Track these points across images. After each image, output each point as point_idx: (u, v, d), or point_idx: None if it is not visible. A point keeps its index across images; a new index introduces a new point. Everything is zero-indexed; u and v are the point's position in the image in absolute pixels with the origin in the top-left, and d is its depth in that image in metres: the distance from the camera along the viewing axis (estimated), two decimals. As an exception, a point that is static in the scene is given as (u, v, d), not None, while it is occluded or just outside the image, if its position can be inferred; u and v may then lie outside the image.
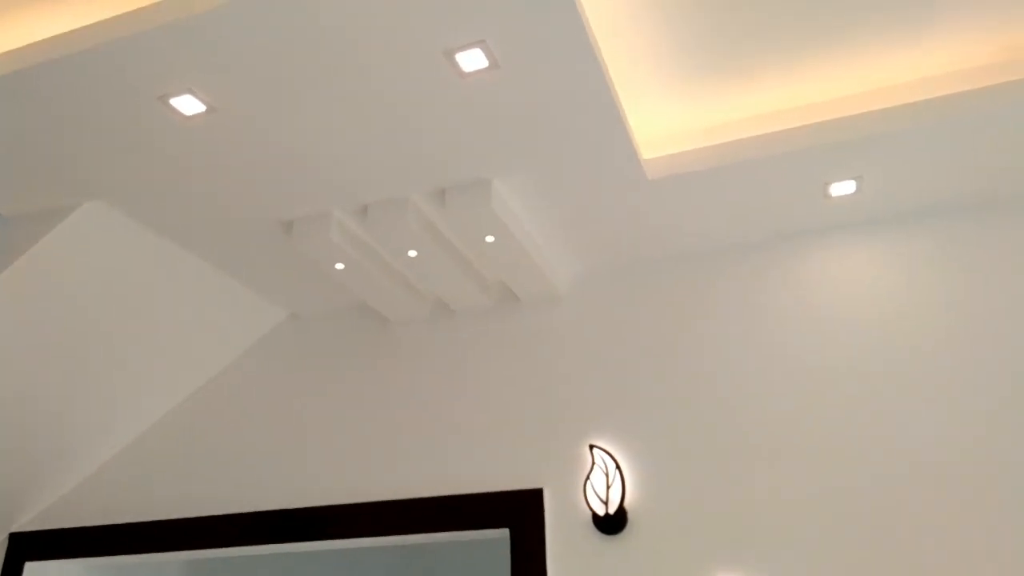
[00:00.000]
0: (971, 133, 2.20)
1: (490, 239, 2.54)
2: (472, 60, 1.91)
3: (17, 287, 2.47)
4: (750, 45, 2.13)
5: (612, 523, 2.55)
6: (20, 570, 3.18)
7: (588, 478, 2.63)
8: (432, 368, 3.01)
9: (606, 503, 2.58)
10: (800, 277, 2.64)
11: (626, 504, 2.56)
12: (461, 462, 2.81)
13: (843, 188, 2.47)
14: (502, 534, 2.71)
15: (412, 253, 2.64)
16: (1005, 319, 2.34)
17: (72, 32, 1.92)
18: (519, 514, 2.67)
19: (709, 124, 2.40)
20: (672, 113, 2.36)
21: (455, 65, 1.92)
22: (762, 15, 2.04)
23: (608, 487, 2.60)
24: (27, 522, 3.25)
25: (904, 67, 2.22)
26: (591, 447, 2.67)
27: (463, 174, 2.38)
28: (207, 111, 2.05)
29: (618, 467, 2.61)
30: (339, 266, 2.71)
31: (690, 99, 2.31)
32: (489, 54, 1.88)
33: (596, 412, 2.70)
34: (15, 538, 3.23)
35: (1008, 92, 2.11)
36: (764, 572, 2.33)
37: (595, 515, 2.58)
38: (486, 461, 2.78)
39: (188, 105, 2.03)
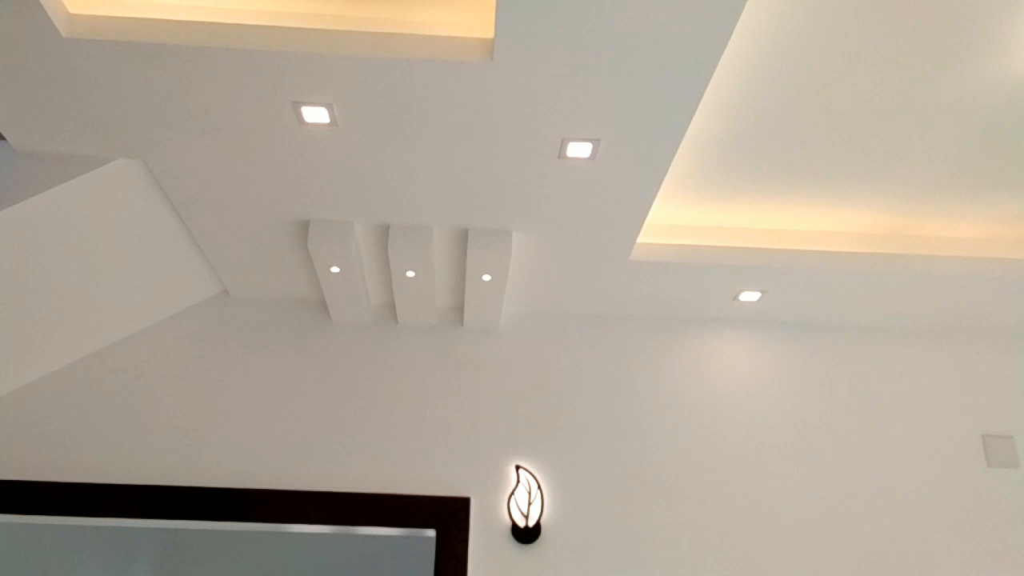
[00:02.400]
0: (851, 281, 3.05)
1: (487, 278, 2.90)
2: (580, 151, 2.31)
3: (18, 225, 2.32)
4: (724, 181, 2.76)
5: (528, 534, 3.02)
6: None
7: (513, 493, 3.08)
8: (369, 371, 3.24)
9: (526, 516, 3.05)
10: (703, 354, 3.35)
11: (542, 519, 3.05)
12: (393, 464, 3.09)
13: (750, 296, 3.22)
14: (428, 534, 3.04)
15: (410, 274, 2.90)
16: (853, 415, 3.24)
17: (237, 26, 1.98)
18: (447, 518, 3.03)
19: (674, 225, 3.00)
20: (656, 210, 2.92)
21: (564, 153, 2.31)
22: (737, 167, 2.69)
23: (530, 503, 3.07)
24: None
25: (821, 220, 3.01)
26: (517, 467, 3.12)
27: (490, 221, 2.73)
28: (329, 124, 2.20)
29: (539, 487, 3.09)
30: (335, 269, 2.88)
31: (669, 204, 2.88)
32: (597, 150, 2.30)
33: (521, 436, 3.15)
34: None
35: (882, 261, 2.99)
36: (650, 586, 2.95)
37: (515, 526, 3.03)
38: (418, 466, 3.09)
39: (316, 115, 2.17)
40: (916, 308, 3.26)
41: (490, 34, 2.03)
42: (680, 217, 3.02)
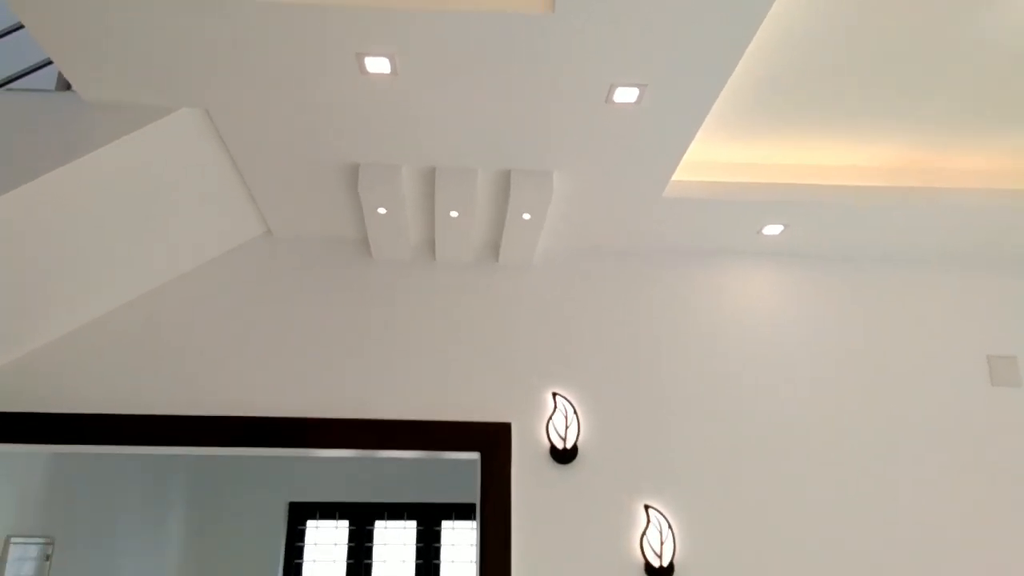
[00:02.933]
0: (866, 214, 3.22)
1: (527, 217, 3.05)
2: (627, 96, 2.43)
3: (90, 173, 2.43)
4: (751, 119, 2.88)
5: (566, 455, 3.25)
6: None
7: (551, 418, 3.29)
8: (410, 306, 3.41)
9: (564, 439, 3.27)
10: (728, 284, 3.54)
11: (578, 442, 3.27)
12: (438, 393, 3.29)
13: (773, 230, 3.38)
14: (472, 457, 3.27)
15: (454, 214, 3.04)
16: (867, 339, 3.45)
17: None
18: (490, 442, 3.25)
19: (701, 161, 3.13)
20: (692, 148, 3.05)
21: (611, 98, 2.43)
22: (768, 105, 2.81)
23: (567, 427, 3.29)
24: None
25: (842, 155, 3.15)
26: (554, 394, 3.33)
27: (531, 163, 2.85)
28: (390, 74, 2.30)
29: (575, 411, 3.31)
30: (381, 210, 3.01)
31: (698, 141, 3.01)
32: (643, 95, 2.42)
33: (558, 365, 3.35)
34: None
35: (896, 194, 3.15)
36: (678, 500, 3.20)
37: (553, 448, 3.26)
38: (461, 395, 3.30)
39: (378, 66, 2.27)
40: (927, 238, 3.44)
41: (550, -14, 2.12)
42: (707, 153, 3.15)
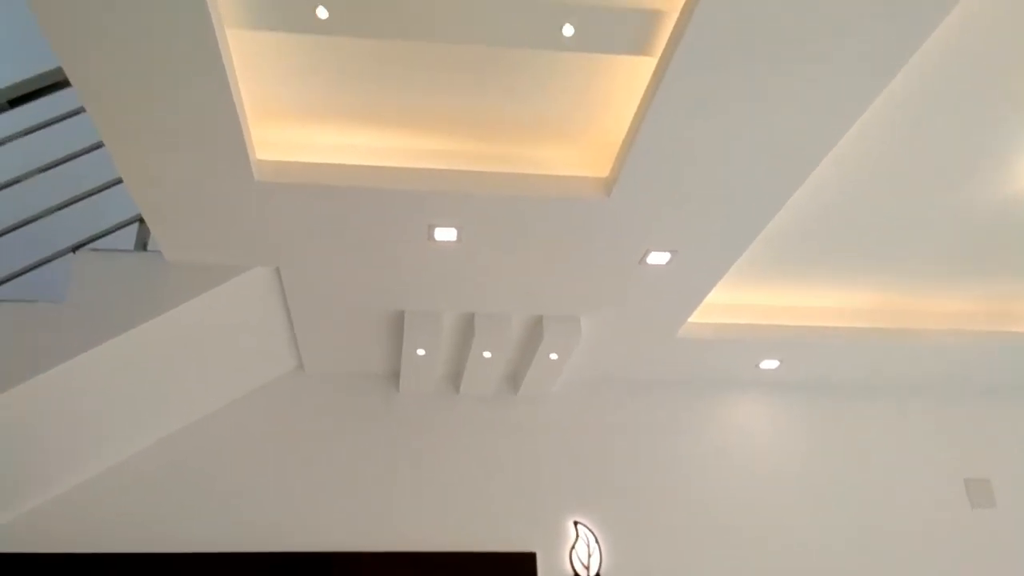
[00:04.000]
0: (852, 350, 3.59)
1: (554, 356, 3.33)
2: (659, 259, 2.78)
3: (171, 327, 2.64)
4: (752, 268, 3.26)
5: (589, 584, 3.43)
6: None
7: (573, 548, 3.49)
8: (434, 438, 3.61)
9: (587, 568, 3.46)
10: (731, 413, 3.85)
11: (601, 570, 3.46)
12: (464, 523, 3.46)
13: (769, 364, 3.73)
14: (499, 586, 3.42)
15: (487, 354, 3.30)
16: (855, 463, 3.77)
17: (389, 169, 2.38)
18: (516, 572, 3.41)
19: (710, 302, 3.48)
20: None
21: (644, 260, 2.77)
22: (778, 261, 3.19)
23: (589, 556, 3.48)
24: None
25: (830, 298, 3.54)
26: (575, 523, 3.53)
27: (562, 310, 3.16)
28: (456, 240, 2.61)
29: (597, 540, 3.51)
30: (420, 352, 3.26)
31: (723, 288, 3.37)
32: (674, 258, 2.77)
33: (577, 493, 3.57)
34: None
35: (878, 334, 3.54)
36: (701, 625, 3.40)
37: (576, 576, 3.44)
38: (487, 525, 3.47)
39: (446, 235, 2.57)
40: (905, 371, 3.83)
41: (604, 173, 2.48)
42: (713, 296, 3.50)
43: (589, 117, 2.37)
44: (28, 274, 2.73)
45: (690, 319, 3.45)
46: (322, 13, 1.87)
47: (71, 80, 1.92)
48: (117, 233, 2.85)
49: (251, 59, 2.09)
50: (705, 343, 3.50)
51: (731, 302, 3.56)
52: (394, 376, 3.69)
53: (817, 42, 1.90)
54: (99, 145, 2.80)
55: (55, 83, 2.76)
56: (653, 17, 1.95)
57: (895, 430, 3.94)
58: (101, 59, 1.87)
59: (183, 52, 1.85)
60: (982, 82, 2.32)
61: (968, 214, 2.98)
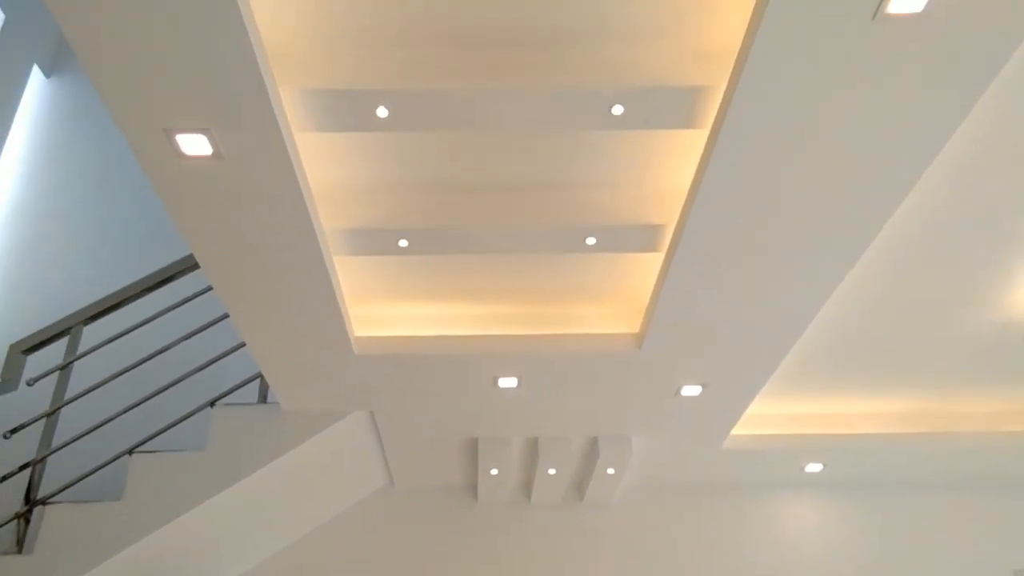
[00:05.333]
0: (891, 453, 3.95)
1: (611, 471, 3.83)
2: (692, 391, 3.27)
3: (289, 464, 3.28)
4: (793, 381, 3.69)
5: (654, 677, 3.82)
6: None
7: (639, 643, 3.90)
8: (509, 542, 4.11)
9: (652, 662, 3.86)
10: (777, 514, 4.23)
11: (664, 663, 3.85)
12: (539, 622, 3.92)
13: (813, 468, 4.12)
14: None
15: (551, 471, 3.83)
16: (904, 559, 4.09)
17: (448, 337, 2.99)
18: (588, 666, 3.84)
19: (751, 413, 3.91)
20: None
21: (679, 393, 3.28)
22: (812, 375, 3.63)
23: (653, 651, 3.88)
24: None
25: (868, 406, 3.93)
26: (640, 620, 3.95)
27: (614, 430, 3.67)
28: (517, 387, 3.18)
29: (659, 637, 3.91)
30: (494, 471, 3.81)
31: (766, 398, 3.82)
32: (705, 390, 3.26)
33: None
34: None
35: (915, 437, 3.89)
36: None
37: (642, 670, 3.84)
38: (560, 624, 3.92)
39: (507, 383, 3.15)
40: (943, 469, 4.16)
41: (635, 328, 3.03)
42: (756, 407, 3.94)
43: (619, 282, 2.94)
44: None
45: (734, 431, 3.91)
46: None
47: (222, 300, 2.61)
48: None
49: (348, 262, 2.76)
50: (749, 453, 3.94)
51: (773, 412, 3.99)
52: (472, 488, 4.24)
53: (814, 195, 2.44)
54: (223, 317, 3.50)
55: (189, 268, 3.53)
56: (657, 230, 2.52)
57: (940, 525, 4.24)
58: (230, 268, 2.55)
59: (299, 275, 2.52)
60: (985, 222, 2.76)
61: (979, 331, 3.39)
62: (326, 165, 2.38)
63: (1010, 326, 3.33)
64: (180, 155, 2.02)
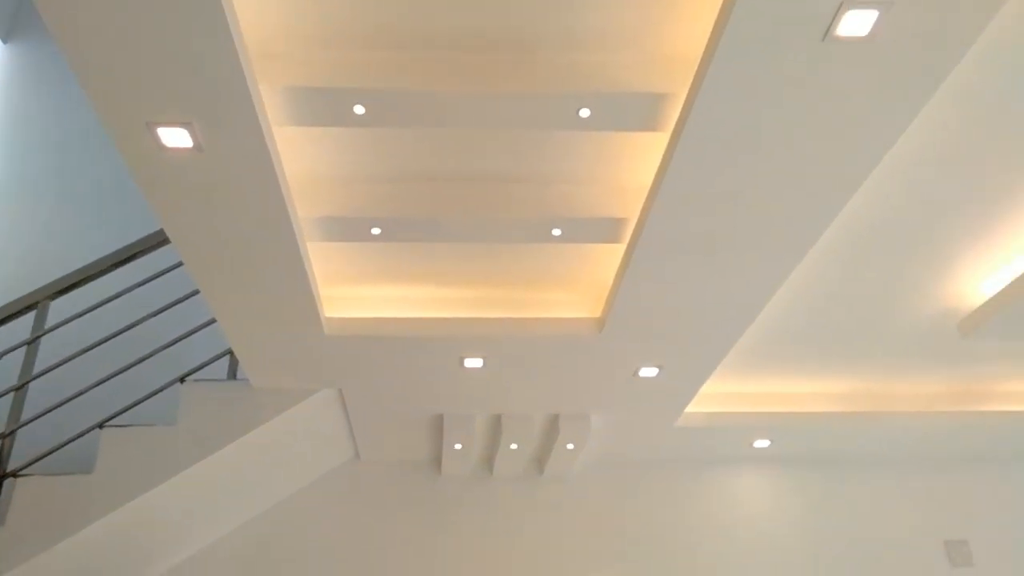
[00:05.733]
0: (834, 431, 4.19)
1: (570, 446, 4.00)
2: (648, 373, 3.45)
3: (259, 439, 3.39)
4: (742, 361, 3.88)
5: (607, 640, 4.05)
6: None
7: (593, 609, 4.11)
8: (472, 514, 4.28)
9: (605, 627, 4.08)
10: (726, 488, 4.46)
11: (617, 628, 4.08)
12: (499, 591, 4.11)
13: (761, 444, 4.35)
14: (530, 644, 4.06)
15: (513, 446, 3.99)
16: (842, 531, 4.35)
17: (417, 319, 3.11)
18: (544, 631, 4.05)
19: (712, 393, 4.11)
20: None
21: (637, 375, 3.45)
22: (763, 357, 3.83)
23: (606, 616, 4.10)
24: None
25: (812, 385, 4.15)
26: (594, 587, 4.16)
27: (574, 409, 3.84)
28: (482, 367, 3.32)
29: (613, 603, 4.14)
30: (457, 446, 3.96)
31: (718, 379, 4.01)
32: (661, 372, 3.44)
33: (595, 560, 4.19)
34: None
35: (857, 417, 4.13)
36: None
37: (596, 635, 4.06)
38: (518, 593, 4.12)
39: (473, 363, 3.29)
40: (886, 447, 4.42)
41: (597, 313, 3.18)
42: (709, 387, 4.14)
43: (582, 269, 3.08)
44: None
45: (687, 409, 4.10)
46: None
47: (198, 284, 2.69)
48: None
49: (322, 247, 2.85)
50: (701, 430, 4.14)
51: (725, 391, 4.19)
52: (436, 462, 4.39)
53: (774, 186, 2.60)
54: (194, 293, 3.56)
55: (157, 244, 3.58)
56: (620, 223, 2.66)
57: (879, 499, 4.51)
58: (207, 255, 2.63)
59: (274, 260, 2.61)
60: (921, 222, 2.96)
61: (916, 320, 3.61)
62: (302, 156, 2.47)
63: (945, 315, 3.55)
64: (161, 148, 2.09)
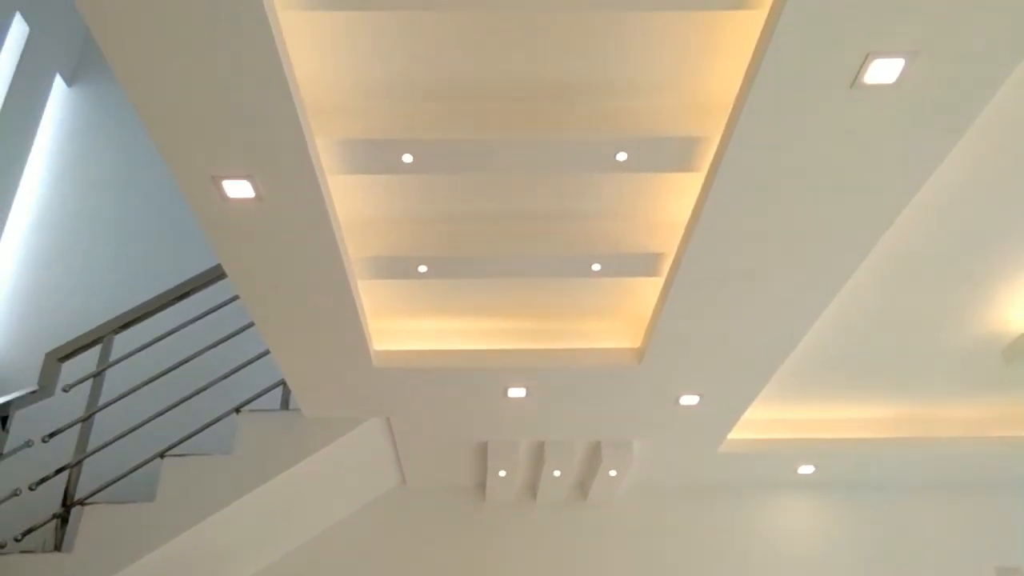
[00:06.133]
0: (881, 456, 4.19)
1: (613, 473, 4.07)
2: (690, 401, 3.51)
3: (310, 467, 3.53)
4: (787, 387, 3.92)
5: (652, 667, 4.08)
6: None
7: (638, 635, 4.16)
8: (516, 539, 4.36)
9: (650, 653, 4.12)
10: (771, 513, 4.48)
11: (662, 654, 4.11)
12: (544, 615, 4.18)
13: (806, 470, 4.36)
14: (576, 670, 4.11)
15: (556, 473, 4.07)
16: (891, 556, 4.34)
17: (462, 351, 3.22)
18: (589, 656, 4.10)
19: (747, 418, 4.14)
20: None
21: (678, 402, 3.52)
22: (806, 384, 3.86)
23: (652, 642, 4.14)
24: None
25: (859, 410, 4.17)
26: (639, 613, 4.20)
27: (617, 436, 3.91)
28: (525, 396, 3.42)
29: (658, 629, 4.17)
30: (502, 473, 4.05)
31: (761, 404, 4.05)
32: (702, 400, 3.50)
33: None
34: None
35: (903, 442, 4.13)
36: None
37: (641, 661, 4.10)
38: (563, 616, 4.18)
39: (516, 393, 3.39)
40: (931, 471, 4.40)
41: (637, 343, 3.26)
42: (751, 412, 4.18)
43: (621, 301, 3.18)
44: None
45: (730, 435, 4.15)
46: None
47: (254, 319, 2.85)
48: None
49: (372, 283, 2.99)
50: (745, 456, 4.18)
51: (768, 417, 4.23)
52: (481, 488, 4.49)
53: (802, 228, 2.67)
54: (248, 326, 3.73)
55: (214, 279, 3.77)
56: (657, 257, 2.75)
57: (928, 525, 4.49)
58: (264, 292, 2.79)
59: (326, 297, 2.76)
60: (967, 247, 3.01)
61: (961, 344, 3.62)
62: (354, 200, 2.61)
63: (989, 339, 3.56)
64: (225, 199, 2.25)
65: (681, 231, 2.67)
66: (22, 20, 4.94)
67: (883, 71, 1.90)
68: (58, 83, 5.31)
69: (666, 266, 2.80)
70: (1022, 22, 1.81)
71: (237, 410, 3.64)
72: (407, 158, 2.29)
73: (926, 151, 2.16)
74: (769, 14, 1.85)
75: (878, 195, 2.32)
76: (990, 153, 2.57)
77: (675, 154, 2.31)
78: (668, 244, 2.75)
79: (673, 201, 2.65)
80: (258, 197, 2.26)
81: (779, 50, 1.89)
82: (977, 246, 3.01)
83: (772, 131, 2.12)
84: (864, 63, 1.89)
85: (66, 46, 5.34)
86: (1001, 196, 2.80)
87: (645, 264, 2.79)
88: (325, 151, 2.27)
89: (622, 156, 2.30)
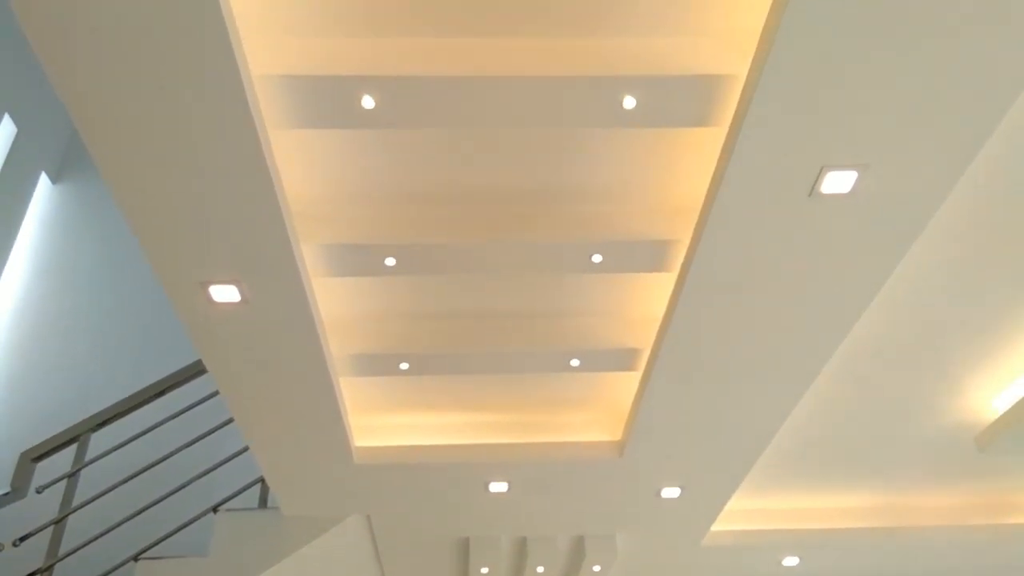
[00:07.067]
0: (863, 547, 4.21)
1: (596, 568, 4.06)
2: (671, 494, 3.55)
3: (290, 566, 3.50)
4: (766, 479, 3.97)
5: None
6: None
7: None
8: (499, 641, 4.29)
9: None
10: (757, 610, 4.45)
11: None
12: None
13: (790, 562, 4.37)
14: None
15: (540, 569, 4.06)
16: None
17: (442, 446, 3.27)
18: None
19: (738, 510, 4.17)
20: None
21: (660, 495, 3.55)
22: (785, 475, 3.92)
23: None
24: None
25: (837, 500, 4.21)
26: None
27: (599, 530, 3.92)
28: (507, 491, 3.45)
29: None
30: (484, 570, 4.03)
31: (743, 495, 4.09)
32: (683, 493, 3.54)
33: None
34: None
35: (883, 533, 4.16)
36: None
37: None
38: None
39: (498, 488, 3.42)
40: (913, 561, 4.42)
41: (617, 436, 3.32)
42: (733, 503, 4.21)
43: (601, 393, 3.25)
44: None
45: (713, 527, 4.17)
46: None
47: (235, 417, 2.89)
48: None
49: (353, 380, 3.05)
50: (729, 549, 4.19)
51: (750, 507, 4.26)
52: (462, 585, 4.45)
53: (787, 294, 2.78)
54: (227, 422, 3.75)
55: (192, 375, 3.81)
56: (634, 352, 2.85)
57: (914, 616, 4.48)
58: (246, 390, 2.84)
59: (308, 395, 2.82)
60: (931, 341, 3.13)
61: (934, 434, 3.71)
62: (337, 300, 2.70)
63: (962, 428, 3.66)
64: (211, 303, 2.34)
65: (656, 326, 2.78)
66: (10, 120, 5.09)
67: (837, 182, 2.05)
68: (43, 180, 5.43)
69: (643, 360, 2.90)
70: (962, 141, 1.97)
71: (215, 509, 3.62)
72: (390, 261, 2.39)
73: (883, 255, 2.30)
74: (729, 131, 2.01)
75: (840, 297, 2.45)
76: (947, 248, 2.72)
77: (647, 256, 2.43)
78: (644, 339, 2.85)
79: (648, 298, 2.76)
80: (244, 301, 2.35)
81: (740, 162, 2.04)
82: (938, 336, 3.13)
83: (738, 235, 2.26)
84: (820, 174, 2.04)
85: (52, 144, 5.49)
86: (961, 287, 2.94)
87: (622, 359, 2.89)
88: (310, 255, 2.37)
89: (597, 258, 2.43)
